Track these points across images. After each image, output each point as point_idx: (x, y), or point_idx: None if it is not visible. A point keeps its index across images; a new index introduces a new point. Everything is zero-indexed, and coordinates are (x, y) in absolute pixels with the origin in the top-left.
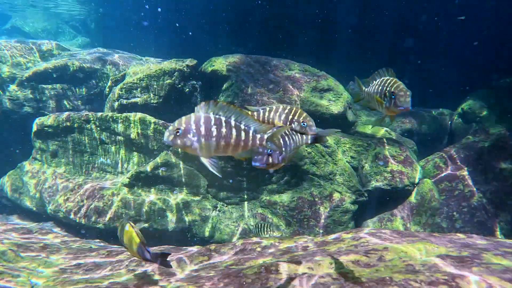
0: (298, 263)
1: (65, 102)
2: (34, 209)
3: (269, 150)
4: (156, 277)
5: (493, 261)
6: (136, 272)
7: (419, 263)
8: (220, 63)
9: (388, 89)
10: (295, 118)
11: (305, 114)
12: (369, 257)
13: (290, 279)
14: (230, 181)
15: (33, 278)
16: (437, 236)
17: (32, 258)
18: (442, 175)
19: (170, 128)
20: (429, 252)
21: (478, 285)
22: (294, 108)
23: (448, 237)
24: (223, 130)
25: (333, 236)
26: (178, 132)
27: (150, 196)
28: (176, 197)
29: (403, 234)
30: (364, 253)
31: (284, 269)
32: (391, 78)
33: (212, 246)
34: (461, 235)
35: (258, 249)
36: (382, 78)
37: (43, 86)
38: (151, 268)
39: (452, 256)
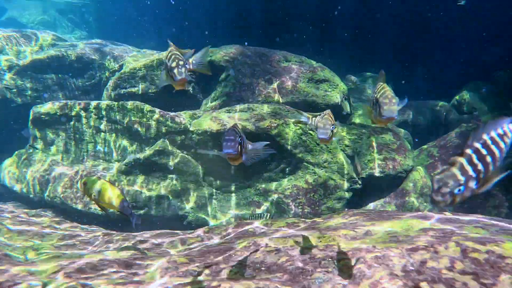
0: (286, 237)
1: (63, 92)
2: (31, 196)
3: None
4: (150, 254)
5: (473, 231)
6: (130, 250)
7: (403, 235)
8: (217, 54)
9: (375, 97)
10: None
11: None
12: (356, 231)
13: (277, 250)
14: (222, 171)
15: (28, 253)
16: (423, 215)
17: (28, 235)
18: (435, 163)
19: None
20: (414, 226)
21: (454, 248)
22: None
23: (432, 217)
24: None
25: (323, 217)
26: None
27: (146, 183)
28: (173, 185)
29: (391, 213)
30: (352, 229)
31: (273, 244)
32: (381, 84)
33: (206, 229)
34: (448, 214)
35: (251, 229)
36: (377, 84)
37: (41, 75)
38: (143, 246)
39: (435, 229)
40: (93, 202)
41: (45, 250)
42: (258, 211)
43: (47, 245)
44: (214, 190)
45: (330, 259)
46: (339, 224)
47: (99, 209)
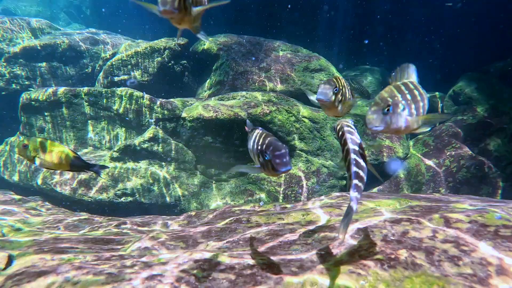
0: (270, 215)
1: (55, 81)
2: (22, 184)
3: None
4: (132, 234)
5: (458, 207)
6: (115, 229)
7: (389, 211)
8: (211, 43)
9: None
10: None
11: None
12: (341, 209)
13: (258, 225)
14: (214, 159)
15: (10, 234)
16: (413, 195)
17: (13, 217)
18: (430, 152)
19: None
20: (402, 204)
21: (437, 220)
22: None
23: (425, 196)
24: None
25: (313, 199)
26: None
27: (138, 170)
28: (164, 172)
29: (380, 195)
30: (338, 206)
31: (255, 219)
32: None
33: (193, 213)
34: (437, 195)
35: (237, 211)
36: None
37: (32, 63)
38: (129, 225)
39: (422, 205)
40: (40, 165)
41: (26, 230)
42: (251, 199)
43: (30, 227)
44: (206, 179)
45: (310, 232)
46: (326, 204)
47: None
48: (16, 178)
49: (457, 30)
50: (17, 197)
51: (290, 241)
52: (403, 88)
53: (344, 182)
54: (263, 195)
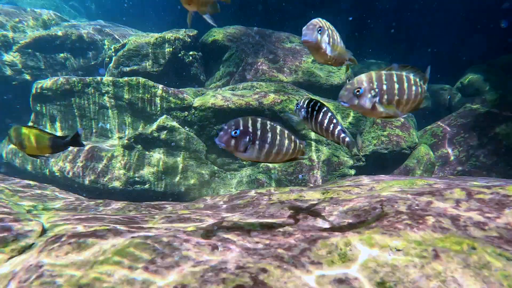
0: (291, 192)
1: (65, 71)
2: (34, 172)
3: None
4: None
5: (476, 183)
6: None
7: (406, 188)
8: (220, 34)
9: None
10: None
11: None
12: (360, 188)
13: (280, 202)
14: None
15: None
16: (429, 177)
17: (31, 199)
18: (439, 142)
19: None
20: (417, 184)
21: (459, 192)
22: None
23: (441, 177)
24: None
25: (327, 183)
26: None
27: (149, 159)
28: (176, 161)
29: (395, 176)
30: (356, 185)
31: (276, 197)
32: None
33: (208, 197)
34: (451, 176)
35: (254, 194)
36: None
37: (43, 54)
38: (144, 207)
39: (439, 182)
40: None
41: (47, 210)
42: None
43: (49, 207)
44: (217, 168)
45: (335, 204)
46: (344, 183)
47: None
48: (29, 166)
49: (465, 22)
50: (32, 182)
51: (315, 213)
52: (384, 77)
53: (355, 171)
54: (273, 185)
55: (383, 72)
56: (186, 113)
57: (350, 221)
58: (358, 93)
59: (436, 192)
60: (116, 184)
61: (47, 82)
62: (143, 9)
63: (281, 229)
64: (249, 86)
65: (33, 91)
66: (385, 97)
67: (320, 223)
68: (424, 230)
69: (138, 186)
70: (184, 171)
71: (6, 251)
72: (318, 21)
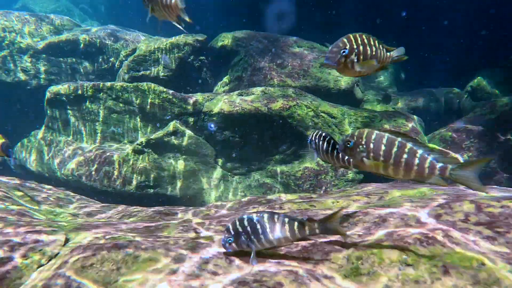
0: (301, 202)
1: (77, 76)
2: (47, 175)
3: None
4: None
5: (484, 195)
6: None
7: (416, 198)
8: (229, 39)
9: None
10: None
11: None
12: (370, 198)
13: (291, 212)
14: (234, 155)
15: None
16: (437, 187)
17: (49, 205)
18: (448, 147)
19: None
20: (428, 193)
21: (468, 205)
22: None
23: (449, 187)
24: None
25: (335, 190)
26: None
27: (160, 163)
28: (185, 165)
29: (404, 184)
30: (365, 195)
31: (288, 206)
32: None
33: (218, 203)
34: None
35: (264, 201)
36: None
37: (56, 59)
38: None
39: (449, 193)
40: None
41: (63, 215)
42: (269, 193)
43: (65, 212)
44: (226, 172)
45: (345, 217)
46: (353, 192)
47: None
48: (41, 169)
49: (471, 24)
50: (47, 186)
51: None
52: (359, 40)
53: (362, 176)
54: (281, 189)
55: (358, 34)
56: (196, 118)
57: (361, 233)
58: (343, 53)
59: (446, 205)
60: (127, 188)
61: (61, 88)
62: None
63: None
64: (258, 91)
65: (48, 95)
66: (361, 56)
67: (329, 238)
68: (434, 245)
69: (149, 190)
70: (194, 175)
71: (35, 260)
72: (345, 42)
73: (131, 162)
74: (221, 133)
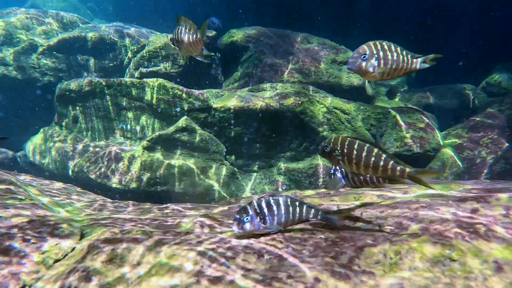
0: (322, 197)
1: (86, 73)
2: (56, 172)
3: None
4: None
5: None
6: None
7: (445, 193)
8: (239, 35)
9: None
10: None
11: None
12: (393, 192)
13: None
14: (244, 151)
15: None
16: (463, 182)
17: (60, 202)
18: (464, 144)
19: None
20: (455, 188)
21: (506, 200)
22: None
23: (474, 181)
24: None
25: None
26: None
27: (169, 160)
28: (195, 162)
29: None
30: (388, 189)
31: (308, 200)
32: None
33: (232, 199)
34: (485, 180)
35: None
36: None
37: (65, 56)
38: (170, 210)
39: (478, 188)
40: None
41: (75, 210)
42: (280, 190)
43: (77, 208)
44: (236, 169)
45: (368, 211)
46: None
47: None
48: (50, 166)
49: (486, 19)
50: (57, 183)
51: (353, 219)
52: (379, 46)
53: None
54: (292, 186)
55: (379, 42)
56: (206, 114)
57: (393, 228)
58: (364, 58)
59: (481, 199)
60: (137, 184)
61: (71, 84)
62: (159, 10)
63: (322, 236)
64: (269, 87)
65: (57, 92)
66: (382, 62)
67: (359, 230)
68: (477, 239)
69: (159, 186)
70: (204, 172)
71: (51, 255)
72: (366, 48)
73: (140, 159)
74: (231, 130)
